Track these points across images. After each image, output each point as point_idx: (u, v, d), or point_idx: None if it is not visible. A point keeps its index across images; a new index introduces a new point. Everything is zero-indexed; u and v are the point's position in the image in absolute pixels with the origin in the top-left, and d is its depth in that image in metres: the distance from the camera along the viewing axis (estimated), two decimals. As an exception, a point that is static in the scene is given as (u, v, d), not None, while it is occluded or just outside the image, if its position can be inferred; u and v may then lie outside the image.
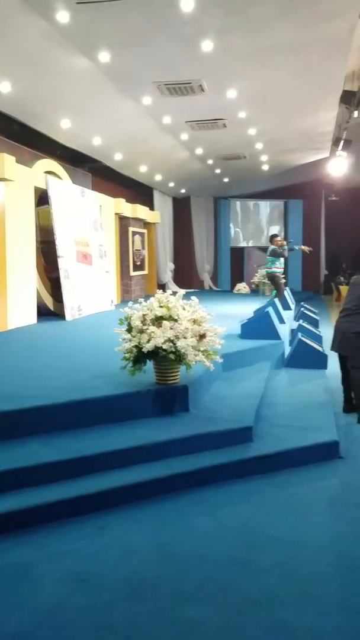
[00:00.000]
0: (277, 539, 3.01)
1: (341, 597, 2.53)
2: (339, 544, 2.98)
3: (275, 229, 20.45)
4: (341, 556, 2.86)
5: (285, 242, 10.26)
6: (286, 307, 10.41)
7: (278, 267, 10.00)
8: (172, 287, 17.24)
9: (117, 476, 3.53)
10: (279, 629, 2.30)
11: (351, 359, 5.29)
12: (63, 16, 5.78)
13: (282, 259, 9.97)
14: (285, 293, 11.80)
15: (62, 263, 9.14)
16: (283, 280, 10.49)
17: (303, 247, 10.96)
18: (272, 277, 10.13)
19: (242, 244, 20.77)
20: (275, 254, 9.94)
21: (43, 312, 9.23)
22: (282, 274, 10.38)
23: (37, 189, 9.12)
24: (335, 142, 12.00)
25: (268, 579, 2.65)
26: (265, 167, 15.04)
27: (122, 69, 7.37)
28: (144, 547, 2.94)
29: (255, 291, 15.07)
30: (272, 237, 10.39)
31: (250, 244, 20.84)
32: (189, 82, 7.99)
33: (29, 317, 8.64)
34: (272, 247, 10.07)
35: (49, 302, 9.56)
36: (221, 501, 3.48)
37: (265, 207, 20.84)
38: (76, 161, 11.56)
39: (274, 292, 12.85)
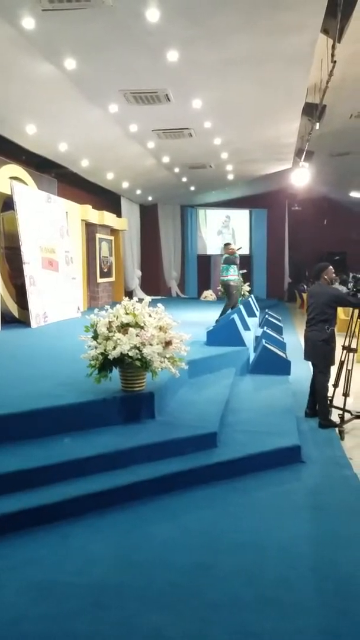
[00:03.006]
0: (240, 544, 3.05)
1: (302, 599, 2.58)
2: (300, 547, 3.04)
3: (242, 238, 20.75)
4: (302, 559, 2.92)
5: (236, 249, 10.07)
6: (251, 314, 10.55)
7: (232, 274, 9.86)
8: (140, 294, 17.23)
9: (80, 485, 3.51)
10: (242, 633, 2.33)
11: (319, 365, 5.45)
12: (29, 22, 5.76)
13: (235, 266, 9.86)
14: (250, 300, 11.95)
15: (27, 269, 9.03)
16: (239, 288, 10.41)
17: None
18: (226, 286, 9.97)
19: (209, 252, 20.95)
20: (228, 262, 9.91)
21: (7, 320, 9.09)
22: (241, 281, 10.33)
23: (1, 195, 8.99)
24: (298, 154, 12.26)
25: (231, 584, 2.68)
26: (230, 177, 15.24)
27: (88, 77, 7.37)
28: (107, 555, 2.94)
29: (222, 299, 15.19)
30: (225, 245, 10.36)
31: (216, 252, 21.03)
32: (155, 91, 8.05)
33: (-7, 324, 8.49)
34: (225, 255, 10.04)
35: (14, 309, 9.43)
36: (185, 507, 3.50)
37: (230, 216, 21.09)
38: (42, 167, 11.47)
39: (240, 299, 13.03)
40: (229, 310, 9.49)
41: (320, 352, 5.39)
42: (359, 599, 2.57)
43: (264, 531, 3.20)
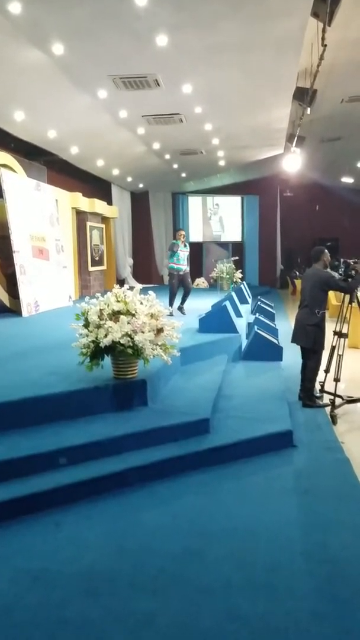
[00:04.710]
0: (230, 529, 3.07)
1: (291, 583, 2.59)
2: (291, 531, 3.06)
3: (234, 225, 20.73)
4: (292, 543, 2.93)
5: (179, 236, 9.19)
6: (243, 301, 10.55)
7: (174, 262, 9.08)
8: (132, 282, 17.19)
9: (72, 472, 3.51)
10: (232, 617, 2.35)
11: (308, 349, 5.48)
12: (15, 7, 5.65)
13: (180, 254, 9.00)
14: (242, 287, 11.92)
15: (17, 258, 8.97)
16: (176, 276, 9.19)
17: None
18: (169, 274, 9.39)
19: (200, 240, 20.90)
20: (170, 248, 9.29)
21: (-2, 309, 9.05)
22: (184, 271, 9.15)
23: (-10, 183, 8.87)
24: (289, 139, 12.19)
25: (222, 569, 2.70)
26: (221, 163, 15.14)
27: (77, 62, 7.26)
28: (99, 542, 2.94)
29: (214, 286, 15.20)
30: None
31: (208, 240, 21.00)
32: (145, 76, 7.95)
33: (-16, 313, 8.44)
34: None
35: (5, 298, 9.37)
36: (176, 493, 3.51)
37: (222, 203, 21.01)
38: (31, 154, 11.34)
39: (232, 286, 13.03)
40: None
41: (310, 336, 5.42)
42: (349, 583, 2.59)
43: (255, 516, 3.22)
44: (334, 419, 5.08)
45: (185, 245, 9.20)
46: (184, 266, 9.12)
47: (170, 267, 9.16)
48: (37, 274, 9.60)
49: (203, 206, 21.00)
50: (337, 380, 5.33)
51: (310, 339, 5.43)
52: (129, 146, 12.21)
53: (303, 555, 2.82)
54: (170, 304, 8.86)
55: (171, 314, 8.64)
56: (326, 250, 5.69)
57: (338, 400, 5.39)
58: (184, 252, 9.11)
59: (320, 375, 5.60)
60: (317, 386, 5.68)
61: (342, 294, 5.66)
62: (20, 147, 10.73)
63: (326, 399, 5.53)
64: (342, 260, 5.91)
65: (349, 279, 5.43)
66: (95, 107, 9.18)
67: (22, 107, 8.71)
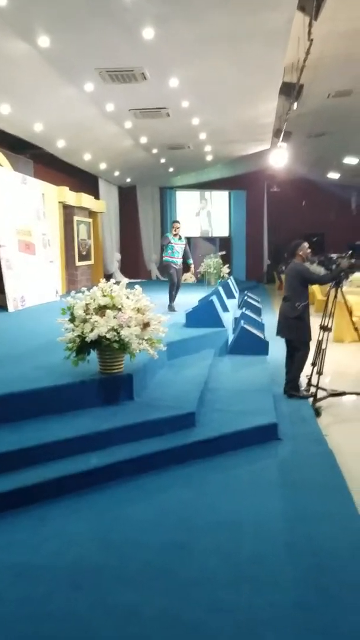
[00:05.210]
0: (215, 522, 3.08)
1: (276, 575, 2.61)
2: (275, 523, 3.08)
3: (222, 220, 20.74)
4: (277, 535, 2.96)
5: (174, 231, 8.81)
6: (230, 295, 10.58)
7: (169, 255, 8.83)
8: (119, 277, 17.12)
9: (58, 466, 3.51)
10: (217, 610, 2.36)
11: (293, 342, 5.54)
12: (-1, -2, 5.59)
13: (174, 247, 8.71)
14: (229, 282, 11.96)
15: (3, 253, 8.89)
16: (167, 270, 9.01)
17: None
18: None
19: (188, 234, 20.86)
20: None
21: (-16, 304, 8.97)
22: (178, 265, 8.94)
23: (-25, 176, 8.78)
24: (276, 134, 12.21)
25: (206, 562, 2.71)
26: (209, 158, 15.13)
27: (63, 55, 7.20)
28: (84, 536, 2.94)
29: (201, 281, 15.20)
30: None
31: (196, 235, 20.98)
32: (131, 70, 7.90)
33: (-31, 308, 8.37)
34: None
35: (-10, 293, 9.30)
36: (162, 487, 3.53)
37: (210, 198, 21.00)
38: (17, 148, 11.22)
39: (219, 280, 13.06)
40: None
41: (293, 329, 5.49)
42: (332, 573, 2.62)
43: (240, 508, 3.23)
44: (317, 412, 5.13)
45: (180, 238, 8.88)
46: (179, 259, 8.89)
47: (165, 260, 8.94)
48: (24, 269, 9.54)
49: (191, 201, 20.97)
50: (319, 373, 5.39)
51: (293, 332, 5.50)
52: (116, 140, 12.14)
53: (287, 547, 2.84)
54: (170, 297, 8.82)
55: (173, 309, 8.66)
56: (304, 243, 5.70)
57: (322, 393, 5.45)
58: (178, 245, 8.83)
59: (307, 369, 5.65)
60: (305, 379, 5.73)
61: (329, 288, 5.71)
62: (6, 140, 10.62)
63: (313, 391, 5.57)
64: (327, 255, 5.97)
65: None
66: (82, 101, 9.12)
67: (8, 100, 8.62)
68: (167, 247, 8.82)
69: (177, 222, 9.13)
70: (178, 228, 8.88)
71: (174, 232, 8.85)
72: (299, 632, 2.23)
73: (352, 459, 4.07)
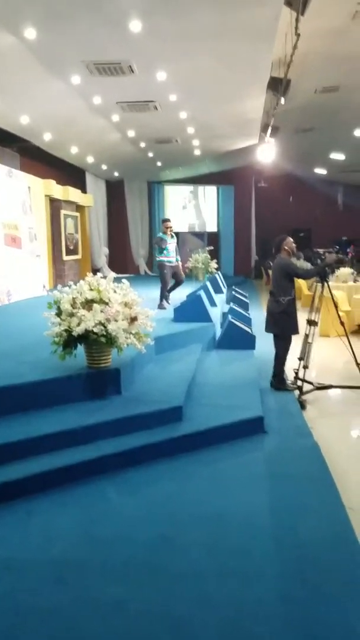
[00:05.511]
0: (201, 515, 3.09)
1: (262, 568, 2.63)
2: (261, 516, 3.09)
3: (210, 215, 20.73)
4: (262, 528, 2.97)
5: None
6: (218, 290, 10.60)
7: (164, 256, 8.75)
8: (107, 271, 17.05)
9: (45, 461, 3.50)
10: (202, 603, 2.37)
11: (279, 335, 5.58)
12: (-17, -12, 5.52)
13: (168, 247, 8.66)
14: (217, 277, 11.98)
15: (-11, 247, 8.83)
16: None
17: None
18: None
19: (176, 229, 20.83)
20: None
21: (-30, 298, 8.90)
22: (175, 262, 8.88)
23: None
24: (264, 129, 12.21)
25: (192, 555, 2.72)
26: (197, 152, 15.09)
27: (50, 47, 7.12)
28: (70, 531, 2.94)
29: (189, 276, 15.20)
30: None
31: (183, 229, 20.96)
32: (118, 63, 7.85)
33: None
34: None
35: (-24, 287, 9.22)
36: (148, 480, 3.53)
37: (198, 193, 20.98)
38: (3, 140, 11.12)
39: (207, 276, 13.07)
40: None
41: (278, 323, 5.52)
42: (316, 566, 2.64)
43: (226, 502, 3.25)
44: (302, 405, 5.18)
45: (172, 237, 8.83)
46: (173, 258, 8.81)
47: (160, 261, 8.82)
48: (10, 263, 9.47)
49: (179, 196, 20.94)
50: (305, 367, 5.44)
51: (277, 325, 5.54)
52: (103, 133, 12.07)
53: (273, 540, 2.86)
54: (162, 297, 8.71)
55: (163, 307, 8.59)
56: (288, 238, 5.74)
57: (308, 387, 5.50)
58: (172, 244, 8.77)
59: (295, 363, 5.69)
60: (292, 373, 5.77)
61: (313, 283, 5.76)
62: (-9, 133, 10.52)
63: (304, 385, 5.60)
64: (314, 250, 6.03)
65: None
66: (68, 93, 9.04)
67: (-7, 91, 8.53)
68: (163, 249, 8.73)
69: (168, 220, 9.06)
70: (169, 227, 8.79)
71: (169, 233, 8.77)
72: (284, 625, 2.25)
73: (337, 451, 4.12)
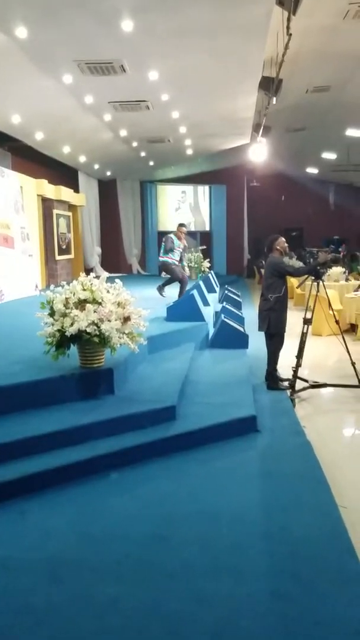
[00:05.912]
0: (195, 513, 3.11)
1: (255, 565, 2.65)
2: (254, 514, 3.12)
3: (202, 214, 20.73)
4: (255, 526, 3.00)
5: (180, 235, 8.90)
6: (211, 289, 10.63)
7: (169, 257, 8.97)
8: (100, 271, 17.02)
9: (38, 461, 3.50)
10: (196, 600, 2.39)
11: (270, 333, 5.61)
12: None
13: (176, 252, 8.90)
14: (210, 276, 12.02)
15: (-19, 246, 8.79)
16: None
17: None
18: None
19: (169, 229, 20.85)
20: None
21: None
22: (176, 264, 9.08)
23: None
24: (256, 129, 12.24)
25: (186, 553, 2.73)
26: (189, 152, 15.10)
27: (41, 46, 7.10)
28: (64, 530, 2.95)
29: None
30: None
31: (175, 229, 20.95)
32: (110, 62, 7.84)
33: None
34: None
35: (-32, 287, 9.19)
36: (142, 479, 3.54)
37: (190, 192, 20.99)
38: (-6, 140, 11.09)
39: (200, 275, 13.09)
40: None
41: (265, 321, 5.57)
42: (309, 562, 2.66)
43: (219, 500, 3.27)
44: (293, 403, 5.21)
45: (183, 245, 9.11)
46: (177, 260, 9.04)
47: (164, 261, 9.02)
48: (2, 263, 9.44)
49: (171, 195, 20.94)
50: (299, 365, 5.47)
51: (264, 322, 5.58)
52: (95, 133, 12.05)
53: (265, 537, 2.88)
54: (181, 290, 8.91)
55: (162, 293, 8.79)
56: (281, 238, 5.78)
57: (302, 385, 5.53)
58: (178, 251, 9.01)
59: (292, 362, 5.71)
60: (288, 371, 5.78)
61: (303, 281, 5.81)
62: (-18, 132, 10.47)
63: (298, 383, 5.62)
64: (307, 249, 6.07)
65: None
66: (60, 92, 9.02)
67: (-15, 91, 8.49)
68: (170, 251, 8.90)
69: (184, 225, 9.31)
70: (183, 233, 9.06)
71: (182, 239, 9.00)
72: (276, 622, 2.26)
73: (329, 450, 4.15)
